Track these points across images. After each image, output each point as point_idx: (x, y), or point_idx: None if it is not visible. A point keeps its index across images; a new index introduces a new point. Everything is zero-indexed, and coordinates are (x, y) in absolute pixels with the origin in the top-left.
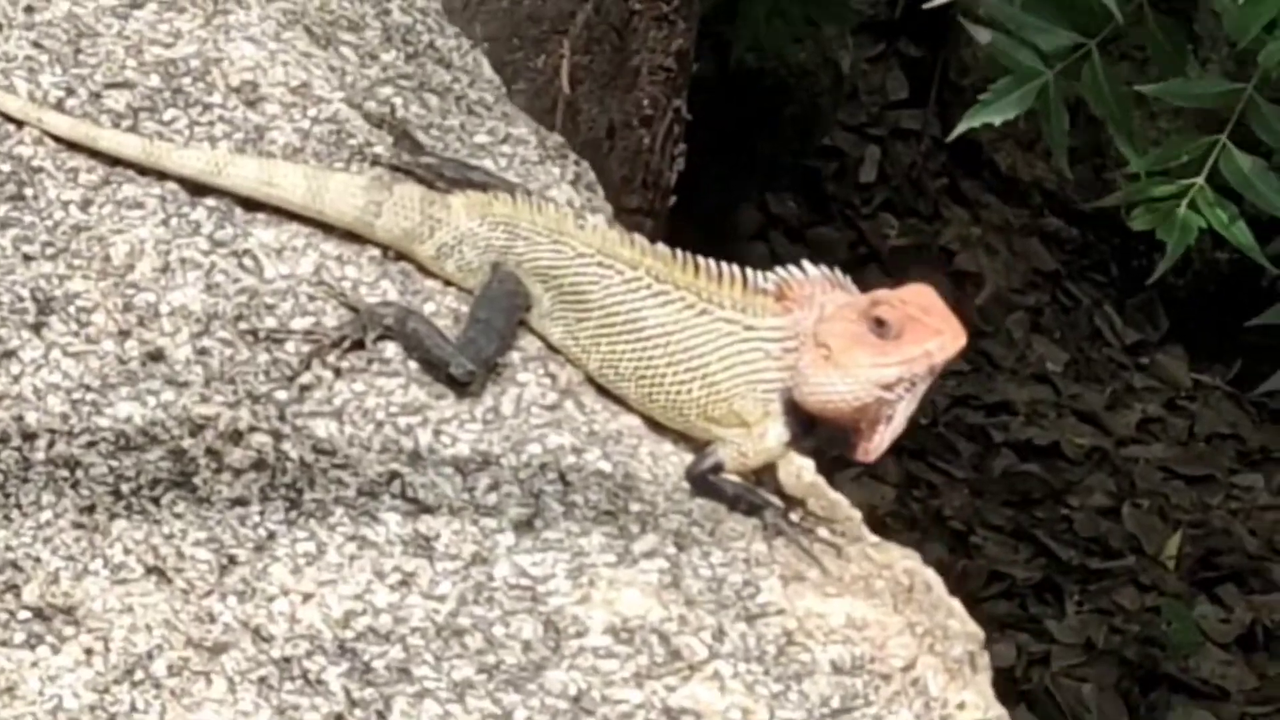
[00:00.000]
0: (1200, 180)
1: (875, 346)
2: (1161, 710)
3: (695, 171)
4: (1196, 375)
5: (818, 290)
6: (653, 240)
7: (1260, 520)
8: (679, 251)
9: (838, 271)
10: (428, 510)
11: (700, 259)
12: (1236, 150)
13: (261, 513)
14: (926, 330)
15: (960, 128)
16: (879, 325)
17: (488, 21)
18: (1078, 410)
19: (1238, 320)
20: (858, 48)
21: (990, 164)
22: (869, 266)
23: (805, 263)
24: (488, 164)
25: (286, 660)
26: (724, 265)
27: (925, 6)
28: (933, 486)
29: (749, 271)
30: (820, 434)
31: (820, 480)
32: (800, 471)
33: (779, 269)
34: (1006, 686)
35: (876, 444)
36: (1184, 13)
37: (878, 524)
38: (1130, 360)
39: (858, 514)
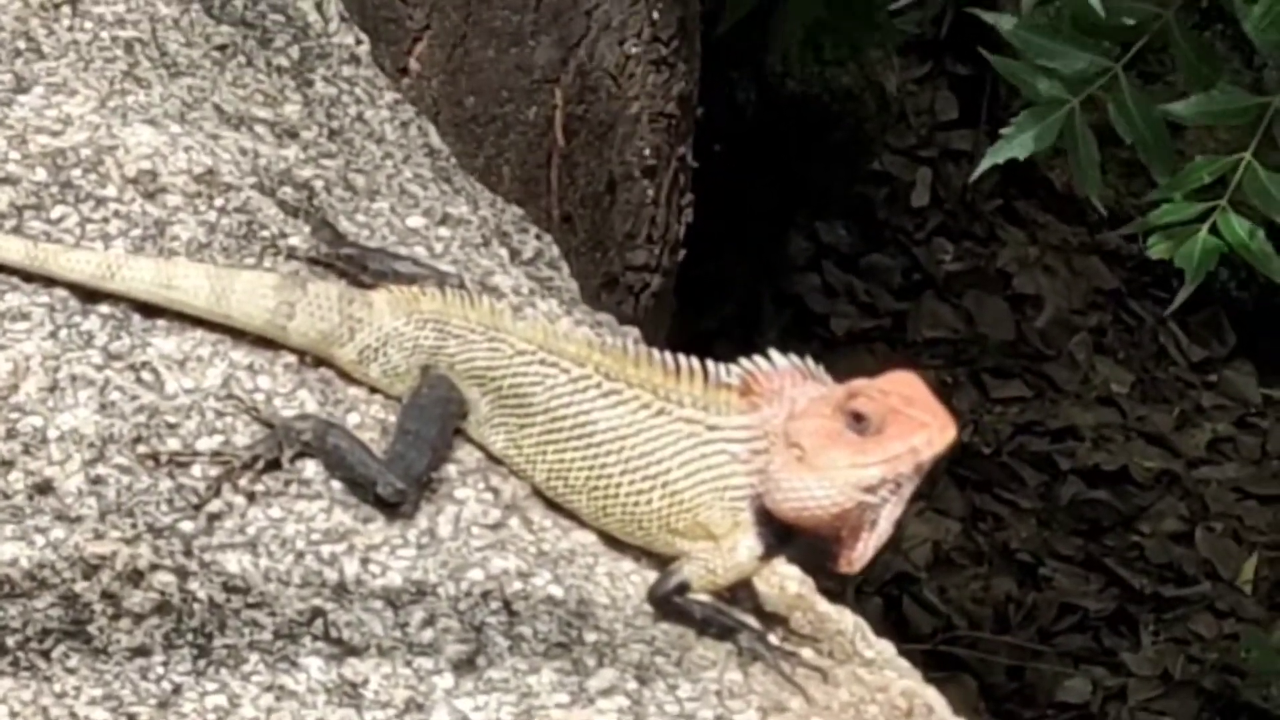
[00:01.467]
0: (1223, 202)
1: (854, 444)
2: None
3: (743, 202)
4: (1266, 391)
5: (787, 383)
6: (660, 297)
7: None
8: (631, 344)
9: (809, 361)
10: (354, 652)
11: (655, 352)
12: (1261, 167)
13: (165, 663)
14: (911, 423)
15: (983, 165)
16: (857, 420)
17: (473, 74)
18: (1145, 432)
19: None
20: (904, 68)
21: (1045, 182)
22: (925, 293)
23: (773, 353)
24: (419, 251)
25: None
26: (681, 358)
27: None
28: (999, 518)
29: (710, 364)
30: (797, 544)
31: (809, 590)
32: (783, 583)
33: (743, 360)
34: None
35: (860, 554)
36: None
37: (944, 559)
38: (1198, 378)
39: (852, 623)
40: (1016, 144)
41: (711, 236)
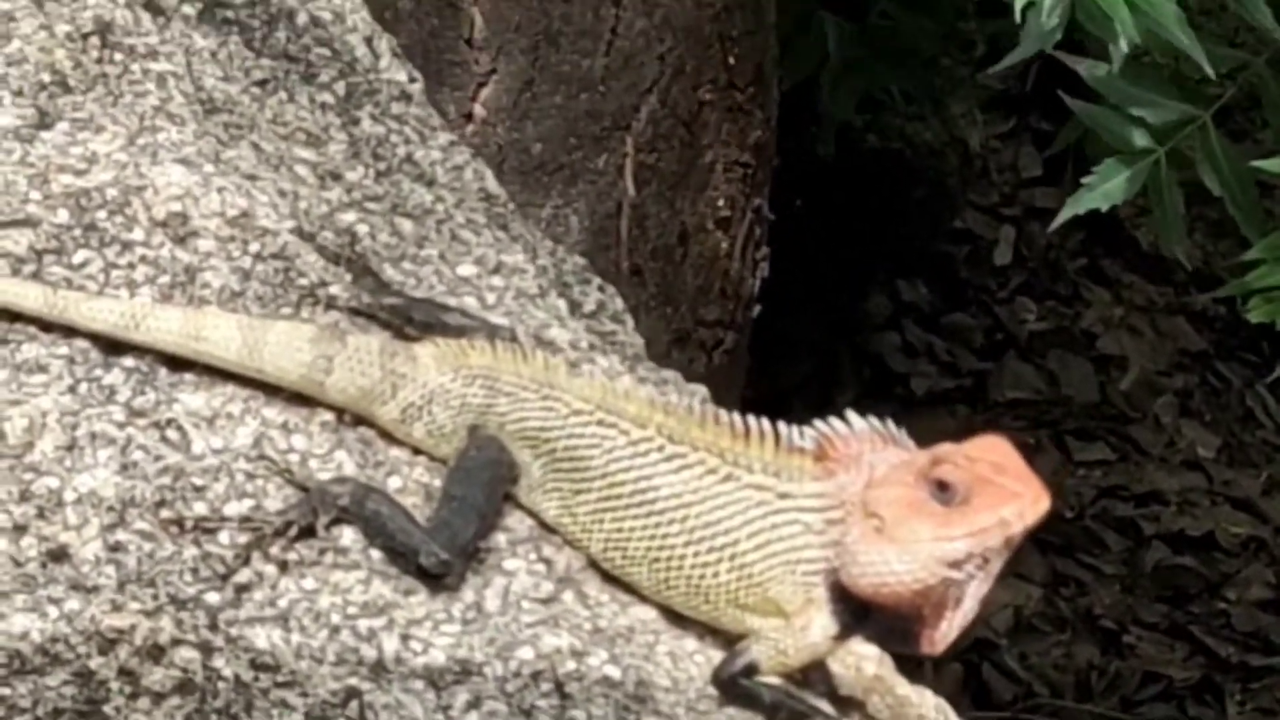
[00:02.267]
0: None
1: (938, 516)
2: None
3: (822, 259)
4: None
5: (866, 447)
6: (734, 354)
7: None
8: (697, 405)
9: (889, 423)
10: None
11: (722, 413)
12: None
13: None
14: (1001, 493)
15: (1064, 214)
16: (942, 489)
17: (540, 120)
18: (1232, 497)
19: None
20: (987, 125)
21: (1131, 241)
22: (1007, 353)
23: (850, 414)
24: (470, 302)
25: None
26: (751, 420)
27: (990, 71)
28: (1081, 584)
29: (782, 427)
30: (875, 623)
31: (888, 671)
32: (860, 663)
33: (818, 423)
34: None
35: (943, 634)
36: None
37: (1025, 626)
38: None
39: (934, 705)
40: (1099, 194)
41: (789, 293)
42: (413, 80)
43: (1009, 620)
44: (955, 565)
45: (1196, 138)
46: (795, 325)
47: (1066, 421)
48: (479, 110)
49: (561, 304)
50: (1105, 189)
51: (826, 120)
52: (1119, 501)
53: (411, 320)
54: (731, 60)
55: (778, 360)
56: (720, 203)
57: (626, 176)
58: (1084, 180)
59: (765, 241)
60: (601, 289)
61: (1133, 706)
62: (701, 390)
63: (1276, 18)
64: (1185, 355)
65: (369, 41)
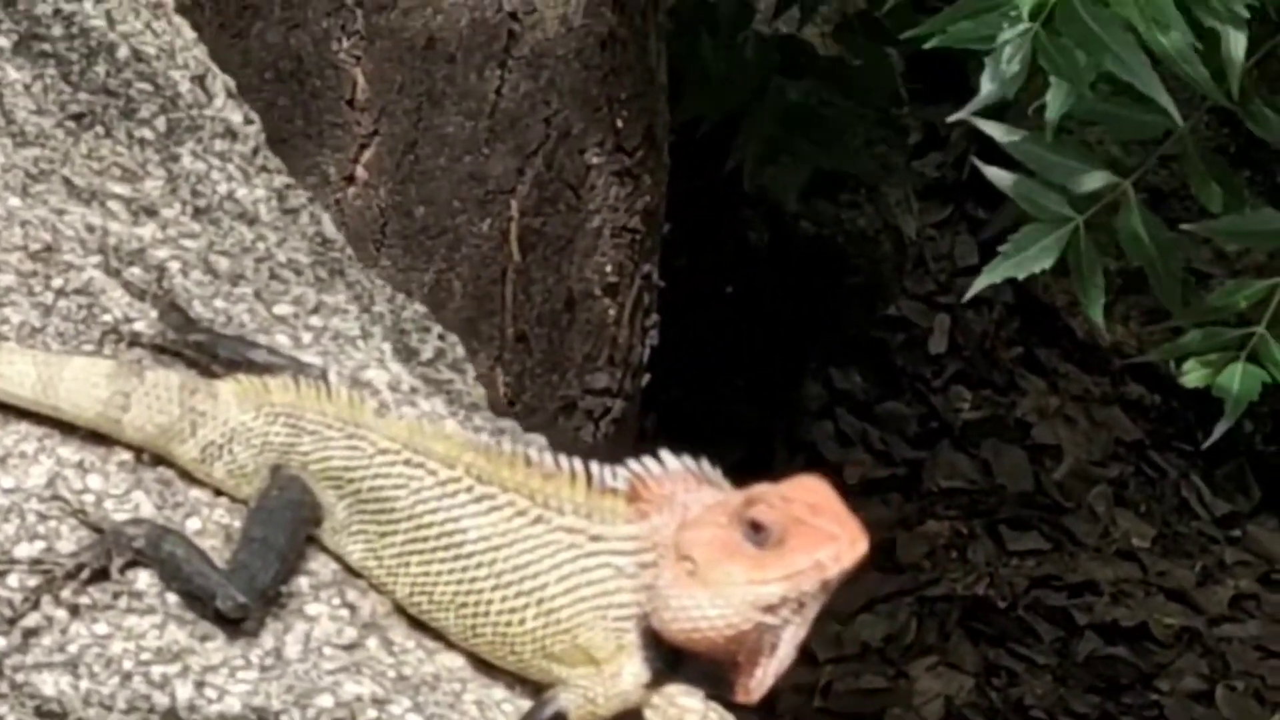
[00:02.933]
0: (1261, 329)
1: (752, 558)
2: None
3: (755, 345)
4: None
5: (679, 488)
6: (623, 423)
7: None
8: (509, 441)
9: (704, 464)
10: None
11: (534, 453)
12: None
13: None
14: (816, 535)
15: (981, 282)
16: (756, 531)
17: (423, 183)
18: (1166, 588)
19: None
20: (923, 212)
21: (1067, 330)
22: (941, 442)
23: (664, 453)
24: (283, 341)
25: None
26: (563, 460)
27: (950, 120)
28: (1013, 674)
29: (594, 467)
30: (688, 670)
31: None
32: (683, 716)
33: (631, 462)
34: None
35: (759, 681)
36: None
37: (956, 716)
38: (1221, 533)
39: None
40: (1015, 262)
41: (723, 378)
42: (248, 122)
43: (940, 710)
44: (770, 610)
45: (1118, 207)
46: (728, 411)
47: (1000, 511)
48: (360, 172)
49: (386, 347)
50: (1022, 257)
51: (763, 204)
52: (1052, 591)
53: (217, 357)
54: (620, 123)
55: (709, 445)
56: (608, 269)
57: (511, 241)
58: (1001, 249)
59: (654, 308)
60: (442, 337)
61: None
62: (540, 439)
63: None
64: (1120, 445)
65: (200, 80)
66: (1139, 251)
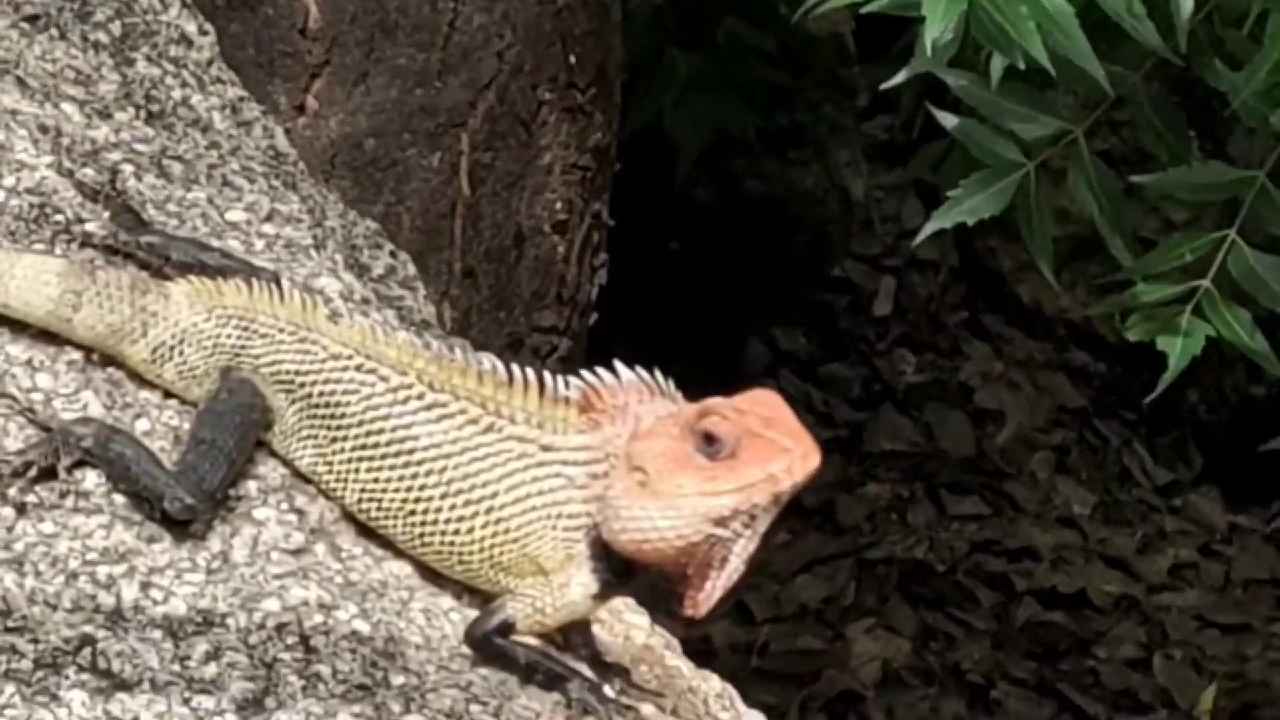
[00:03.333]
0: (1206, 282)
1: (704, 470)
2: None
3: (699, 304)
4: (1232, 518)
5: (632, 399)
6: (569, 362)
7: None
8: (460, 351)
9: (658, 375)
10: (125, 686)
11: (487, 360)
12: (1247, 246)
13: None
14: (770, 448)
15: (929, 228)
16: (709, 443)
17: (374, 114)
18: (1106, 556)
19: (1276, 459)
20: (871, 174)
21: (1013, 296)
22: (884, 405)
23: (617, 364)
24: (235, 246)
25: None
26: (515, 369)
27: (883, 87)
28: (951, 638)
29: (547, 377)
30: (637, 582)
31: (659, 642)
32: (629, 631)
33: (584, 373)
34: None
35: (707, 594)
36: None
37: (892, 678)
38: (1162, 502)
39: (714, 684)
40: (966, 208)
41: (665, 336)
42: (203, 32)
43: (876, 672)
44: (721, 522)
45: (1069, 156)
46: (670, 368)
47: (941, 475)
48: (311, 102)
49: (339, 258)
50: (972, 203)
51: (683, 152)
52: (992, 556)
53: (169, 259)
54: (573, 59)
55: None
56: (558, 205)
57: (461, 175)
58: (950, 194)
59: (604, 248)
60: (393, 255)
61: None
62: (490, 356)
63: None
64: (1063, 412)
65: None
66: (1090, 202)
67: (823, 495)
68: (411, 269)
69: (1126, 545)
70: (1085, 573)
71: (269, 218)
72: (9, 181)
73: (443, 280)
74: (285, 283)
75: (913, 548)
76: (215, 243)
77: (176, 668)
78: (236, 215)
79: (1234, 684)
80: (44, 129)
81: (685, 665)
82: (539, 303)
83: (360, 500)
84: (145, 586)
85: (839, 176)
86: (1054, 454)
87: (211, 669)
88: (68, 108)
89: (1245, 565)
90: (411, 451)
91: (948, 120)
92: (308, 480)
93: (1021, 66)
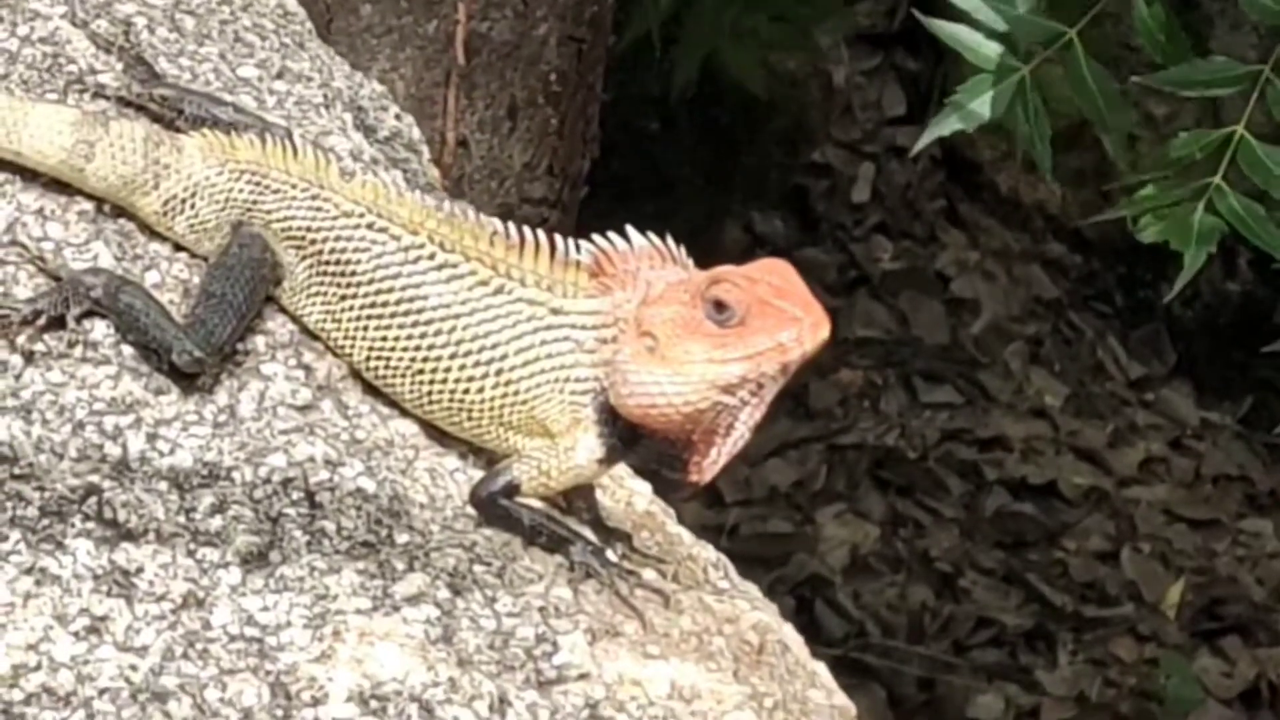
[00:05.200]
0: (1218, 179)
1: (714, 337)
2: None
3: (676, 186)
4: (1204, 413)
5: (644, 264)
6: (560, 233)
7: (1268, 569)
8: (473, 212)
9: (669, 241)
10: (130, 536)
11: (499, 223)
12: (1256, 141)
13: None
14: (780, 317)
15: (928, 136)
16: (719, 310)
17: None
18: (1077, 448)
19: (1248, 355)
20: (853, 60)
21: (991, 185)
22: (859, 291)
23: (629, 229)
24: (247, 101)
25: None
26: (527, 231)
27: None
28: (920, 525)
29: (558, 240)
30: (643, 448)
31: (660, 510)
32: (630, 499)
33: (595, 237)
34: None
35: (712, 461)
36: None
37: (861, 564)
38: (1134, 396)
39: (715, 558)
40: (965, 114)
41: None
42: None
43: (844, 558)
44: (728, 389)
45: (1063, 57)
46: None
47: (915, 362)
48: None
49: (348, 118)
50: (969, 109)
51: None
52: (963, 445)
53: (182, 113)
54: None
55: None
56: (552, 78)
57: (457, 44)
58: (947, 100)
59: (597, 121)
60: (398, 117)
61: (964, 650)
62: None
63: None
64: (1038, 303)
65: None
66: (1086, 102)
67: (795, 379)
68: (416, 132)
69: (1098, 438)
70: (1056, 464)
71: (280, 75)
72: (23, 31)
73: (435, 150)
74: (298, 139)
75: (884, 434)
76: (228, 98)
77: (182, 519)
78: (248, 71)
79: (1201, 579)
80: None
81: (685, 533)
82: (530, 174)
83: (368, 358)
84: (152, 438)
85: (821, 60)
86: (1028, 345)
87: (217, 522)
88: None
89: (1215, 461)
90: (421, 311)
91: (939, 27)
92: (316, 337)
93: None
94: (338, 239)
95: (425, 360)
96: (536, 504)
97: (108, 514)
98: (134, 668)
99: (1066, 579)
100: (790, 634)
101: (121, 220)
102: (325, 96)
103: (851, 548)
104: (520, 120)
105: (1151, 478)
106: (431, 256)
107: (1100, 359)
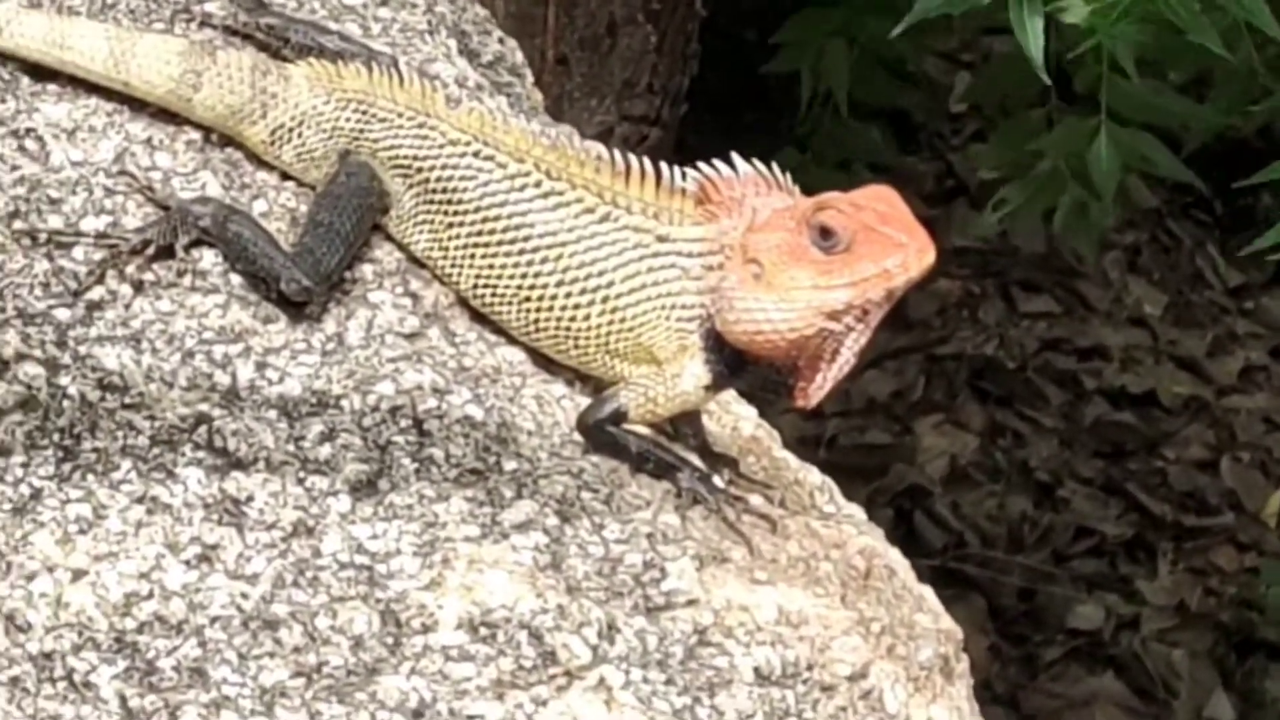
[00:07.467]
0: None
1: (819, 264)
2: (1258, 678)
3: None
4: None
5: (749, 191)
6: (658, 152)
7: None
8: (578, 138)
9: (775, 168)
10: (240, 465)
11: (604, 151)
12: None
13: (26, 465)
14: (885, 243)
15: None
16: (825, 236)
17: None
18: (1176, 357)
19: None
20: None
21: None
22: (957, 200)
23: (735, 157)
24: (352, 29)
25: (47, 656)
26: (633, 159)
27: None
28: (1019, 435)
29: (664, 168)
30: (749, 374)
31: (766, 434)
32: (737, 422)
33: (701, 164)
34: (1093, 650)
35: (818, 386)
36: None
37: (960, 474)
38: (1233, 304)
39: (821, 481)
40: None
41: (740, 130)
42: None
43: (944, 468)
44: (834, 316)
45: None
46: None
47: (1013, 272)
48: None
49: (452, 44)
50: None
51: None
52: (1061, 355)
53: (288, 41)
54: None
55: None
56: None
57: None
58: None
59: (696, 38)
60: (502, 41)
61: (1063, 560)
62: (599, 147)
63: None
64: (1137, 212)
65: None
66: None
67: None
68: (519, 56)
69: (1197, 346)
70: (1155, 373)
71: (384, 1)
72: None
73: (535, 68)
74: (404, 67)
75: (983, 344)
76: (333, 26)
77: (291, 448)
78: None
79: None
80: None
81: (791, 457)
82: (630, 92)
83: (475, 286)
84: (260, 367)
85: None
86: (1126, 254)
87: (326, 450)
88: None
89: None
90: (527, 239)
91: None
92: (422, 265)
93: None
94: (444, 167)
95: (532, 288)
96: (643, 430)
97: (218, 442)
98: (245, 596)
99: (1166, 488)
100: (896, 557)
101: (229, 149)
102: (429, 22)
103: (950, 458)
104: (620, 37)
105: (1251, 386)
106: (538, 184)
107: (1199, 267)
